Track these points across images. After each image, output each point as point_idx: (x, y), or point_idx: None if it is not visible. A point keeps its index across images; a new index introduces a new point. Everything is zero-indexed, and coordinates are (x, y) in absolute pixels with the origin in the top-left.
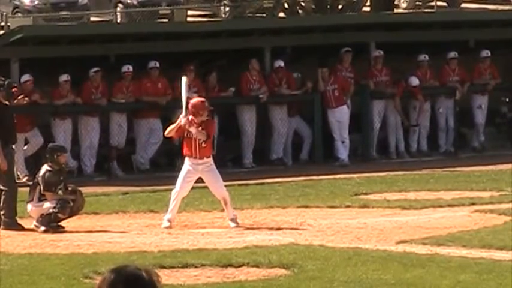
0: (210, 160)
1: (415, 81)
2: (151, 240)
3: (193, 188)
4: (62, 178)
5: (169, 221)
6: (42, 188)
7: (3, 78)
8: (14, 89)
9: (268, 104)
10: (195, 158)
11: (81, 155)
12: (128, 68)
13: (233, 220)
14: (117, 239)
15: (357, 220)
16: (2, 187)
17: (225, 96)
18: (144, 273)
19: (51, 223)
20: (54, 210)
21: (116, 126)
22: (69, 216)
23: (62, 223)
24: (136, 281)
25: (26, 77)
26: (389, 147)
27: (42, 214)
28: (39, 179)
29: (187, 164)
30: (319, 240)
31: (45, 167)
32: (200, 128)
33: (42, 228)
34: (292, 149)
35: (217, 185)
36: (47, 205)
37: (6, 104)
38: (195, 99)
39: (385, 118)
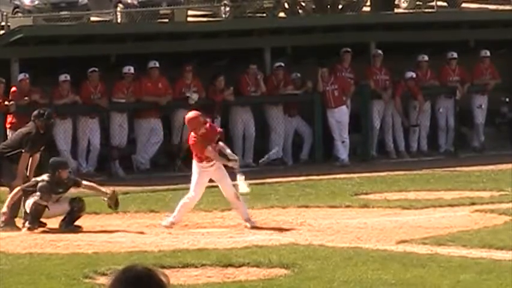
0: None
1: (409, 74)
2: (152, 240)
3: None
4: (61, 190)
5: (172, 224)
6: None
7: (43, 109)
8: (13, 89)
9: (265, 104)
10: (208, 161)
11: (78, 155)
12: (129, 69)
13: (248, 220)
14: (118, 239)
15: (357, 220)
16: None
17: (230, 100)
18: (154, 273)
19: (36, 217)
20: (38, 200)
21: (117, 126)
22: (72, 220)
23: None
24: (149, 279)
25: (21, 76)
26: (386, 147)
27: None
28: (36, 182)
29: (198, 168)
30: (319, 240)
31: (44, 176)
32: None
33: (27, 225)
34: (292, 149)
35: (227, 182)
36: (30, 201)
37: (43, 133)
38: (189, 115)
39: (383, 118)
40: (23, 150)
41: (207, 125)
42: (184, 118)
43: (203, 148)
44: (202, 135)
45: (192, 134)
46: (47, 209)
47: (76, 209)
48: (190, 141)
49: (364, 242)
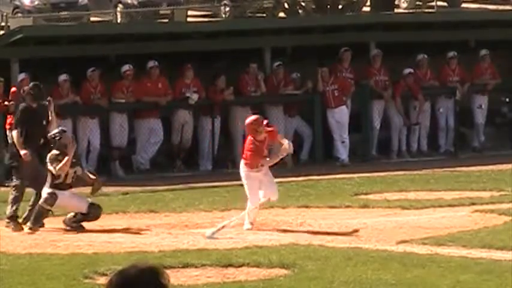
0: None
1: (407, 70)
2: (152, 240)
3: (193, 188)
4: (74, 160)
5: (251, 224)
6: (49, 164)
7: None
8: (13, 89)
9: (265, 104)
10: (259, 170)
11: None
12: (129, 67)
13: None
14: (118, 239)
15: (357, 220)
16: (33, 189)
17: (230, 99)
18: (147, 274)
19: (38, 219)
20: (43, 204)
21: (117, 127)
22: (80, 221)
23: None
24: (141, 281)
25: (22, 76)
26: (391, 146)
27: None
28: (47, 161)
29: (246, 174)
30: (319, 240)
31: (53, 152)
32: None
33: (29, 224)
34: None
35: (273, 185)
36: (45, 190)
37: (35, 107)
38: (248, 120)
39: (388, 118)
40: (14, 128)
41: (267, 129)
42: (182, 117)
43: (259, 157)
44: (262, 141)
45: (250, 138)
46: (62, 200)
47: (92, 215)
48: (247, 147)
49: (364, 242)
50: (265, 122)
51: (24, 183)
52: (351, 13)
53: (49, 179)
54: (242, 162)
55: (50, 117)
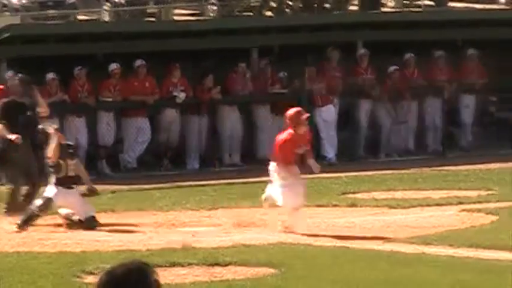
0: None
1: (392, 67)
2: (139, 238)
3: (180, 186)
4: (71, 151)
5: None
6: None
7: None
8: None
9: (252, 103)
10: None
11: None
12: (117, 66)
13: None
14: (105, 238)
15: (344, 219)
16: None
17: (217, 98)
18: (136, 273)
19: (27, 223)
20: (35, 209)
21: (104, 125)
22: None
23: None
24: (126, 282)
25: (9, 74)
26: (380, 145)
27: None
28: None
29: (277, 173)
30: (306, 239)
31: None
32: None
33: (18, 222)
34: None
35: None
36: (48, 189)
37: (21, 102)
38: (290, 111)
39: (376, 118)
40: None
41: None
42: (167, 117)
43: (292, 152)
44: (302, 135)
45: (290, 131)
46: (65, 200)
47: (86, 226)
48: (284, 138)
49: (351, 241)
50: (306, 115)
51: (18, 183)
52: (338, 12)
53: (52, 175)
54: (273, 164)
55: (39, 106)
